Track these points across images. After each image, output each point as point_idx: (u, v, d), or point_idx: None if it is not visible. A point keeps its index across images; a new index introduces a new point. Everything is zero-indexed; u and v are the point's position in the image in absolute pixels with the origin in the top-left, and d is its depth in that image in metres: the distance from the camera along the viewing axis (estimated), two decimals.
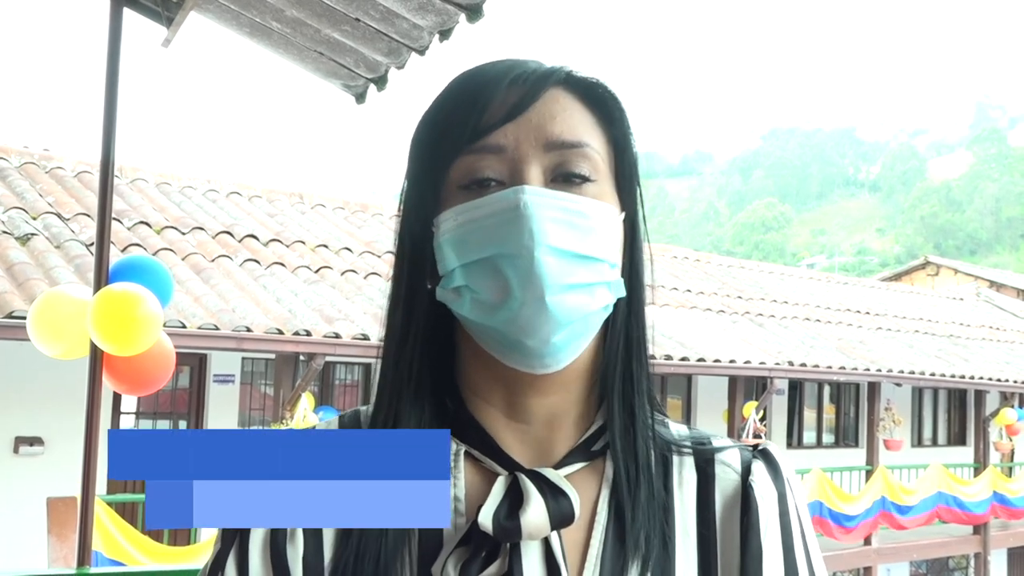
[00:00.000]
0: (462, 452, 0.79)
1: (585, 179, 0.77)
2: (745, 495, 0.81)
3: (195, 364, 9.94)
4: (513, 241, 0.72)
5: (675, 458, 0.83)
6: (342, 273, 9.86)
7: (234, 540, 0.78)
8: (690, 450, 0.84)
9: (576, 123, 0.78)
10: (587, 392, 0.81)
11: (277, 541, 0.77)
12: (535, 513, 0.73)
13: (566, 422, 0.81)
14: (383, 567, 0.74)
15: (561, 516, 0.74)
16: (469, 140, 0.76)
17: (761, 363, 11.26)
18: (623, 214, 0.81)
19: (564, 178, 0.77)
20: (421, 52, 3.01)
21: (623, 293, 0.79)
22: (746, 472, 0.83)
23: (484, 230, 0.74)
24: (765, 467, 0.83)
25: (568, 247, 0.74)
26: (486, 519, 0.72)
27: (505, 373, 0.78)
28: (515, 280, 0.72)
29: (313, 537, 0.77)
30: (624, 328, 0.82)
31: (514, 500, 0.74)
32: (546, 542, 0.75)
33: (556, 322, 0.73)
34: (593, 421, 0.81)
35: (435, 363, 0.81)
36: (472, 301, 0.75)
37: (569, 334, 0.75)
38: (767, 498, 0.81)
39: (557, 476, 0.76)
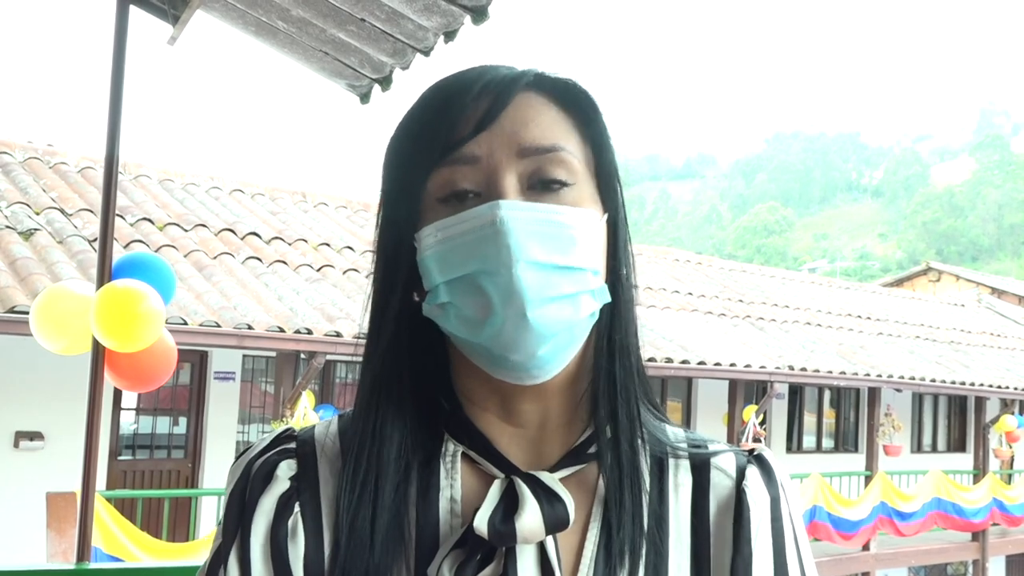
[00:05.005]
0: (459, 453, 0.79)
1: (563, 184, 0.75)
2: (738, 500, 0.80)
3: (196, 361, 9.95)
4: (491, 258, 0.71)
5: (671, 461, 0.82)
6: (344, 272, 9.87)
7: (236, 535, 0.77)
8: (686, 453, 0.83)
9: (549, 126, 0.77)
10: (581, 395, 0.80)
11: (278, 538, 0.76)
12: (530, 518, 0.72)
13: (561, 425, 0.80)
14: (381, 568, 0.73)
15: (556, 520, 0.73)
16: (443, 152, 0.75)
17: (761, 367, 11.26)
18: (605, 215, 0.79)
19: (541, 185, 0.75)
20: (426, 53, 3.01)
21: (608, 299, 0.77)
22: (740, 477, 0.82)
23: (463, 247, 0.73)
24: (759, 472, 0.82)
25: (548, 260, 0.72)
26: (481, 524, 0.72)
27: (497, 381, 0.77)
28: (496, 297, 0.71)
29: (314, 537, 0.76)
30: (608, 333, 0.80)
31: (509, 504, 0.73)
32: (541, 546, 0.74)
33: (540, 336, 0.72)
34: (588, 424, 0.80)
35: (425, 371, 0.80)
36: (457, 317, 0.74)
37: (554, 346, 0.74)
38: (760, 503, 0.80)
39: (553, 480, 0.75)
